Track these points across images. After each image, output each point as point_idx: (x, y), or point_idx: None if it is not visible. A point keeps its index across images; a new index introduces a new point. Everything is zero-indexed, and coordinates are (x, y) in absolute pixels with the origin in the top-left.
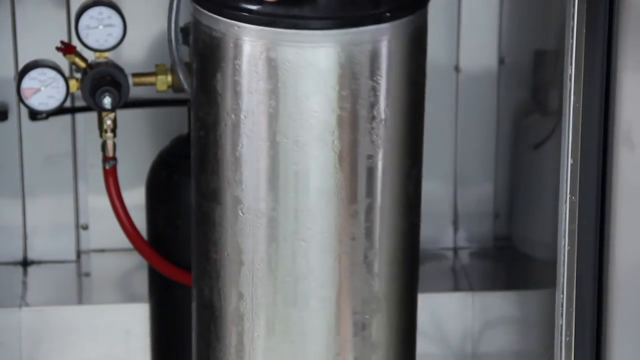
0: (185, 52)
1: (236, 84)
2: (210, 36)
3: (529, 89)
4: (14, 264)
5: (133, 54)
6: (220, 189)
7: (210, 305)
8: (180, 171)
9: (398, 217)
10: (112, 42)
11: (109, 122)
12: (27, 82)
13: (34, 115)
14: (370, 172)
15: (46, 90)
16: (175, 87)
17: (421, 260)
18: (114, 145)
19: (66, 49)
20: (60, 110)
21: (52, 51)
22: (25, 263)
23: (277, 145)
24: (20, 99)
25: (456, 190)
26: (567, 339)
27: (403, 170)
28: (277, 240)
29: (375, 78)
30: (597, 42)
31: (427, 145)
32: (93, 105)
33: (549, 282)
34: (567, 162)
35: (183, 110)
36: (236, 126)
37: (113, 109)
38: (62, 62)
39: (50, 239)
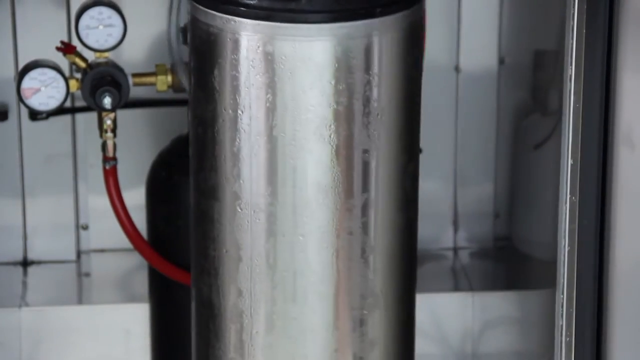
0: (185, 52)
1: (233, 79)
2: (207, 32)
3: (529, 89)
4: (14, 264)
5: (133, 54)
6: (219, 185)
7: (209, 304)
8: (181, 171)
9: (395, 212)
10: (112, 42)
11: (109, 122)
12: (27, 82)
13: (34, 115)
14: (367, 166)
15: (46, 90)
16: (175, 87)
17: (421, 261)
18: (114, 145)
19: (66, 49)
20: (60, 110)
21: (52, 51)
22: (25, 263)
23: (275, 139)
24: (21, 99)
25: (456, 190)
26: (567, 339)
27: (399, 165)
28: (275, 236)
29: (371, 72)
30: (597, 42)
31: (427, 145)
32: (93, 105)
33: (549, 282)
34: (567, 162)
35: (183, 110)
36: (234, 122)
37: (113, 109)
38: (62, 62)
39: (50, 239)
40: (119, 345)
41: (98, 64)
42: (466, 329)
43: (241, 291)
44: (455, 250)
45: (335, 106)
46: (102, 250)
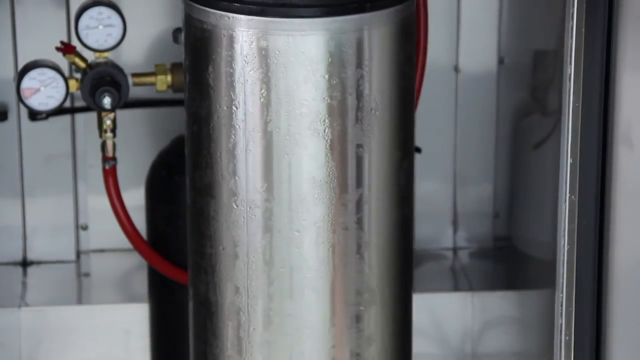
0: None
1: (228, 75)
2: (202, 29)
3: (528, 89)
4: (14, 264)
5: (133, 54)
6: (215, 182)
7: (207, 302)
8: (180, 171)
9: (390, 208)
10: (111, 42)
11: (108, 122)
12: (27, 82)
13: (34, 115)
14: (361, 161)
15: (46, 90)
16: (175, 87)
17: (421, 261)
18: (114, 145)
19: (66, 49)
20: (60, 111)
21: (52, 51)
22: (25, 263)
23: (270, 135)
24: (20, 99)
25: (456, 190)
26: (567, 338)
27: (394, 161)
28: (271, 232)
29: (363, 67)
30: (596, 41)
31: (426, 145)
32: (93, 105)
33: (549, 282)
34: (567, 161)
35: (183, 110)
36: (229, 118)
37: (113, 109)
38: (62, 62)
39: (50, 239)
40: (118, 345)
41: (98, 64)
42: (466, 329)
43: (238, 288)
44: (455, 250)
45: (329, 101)
46: (101, 250)
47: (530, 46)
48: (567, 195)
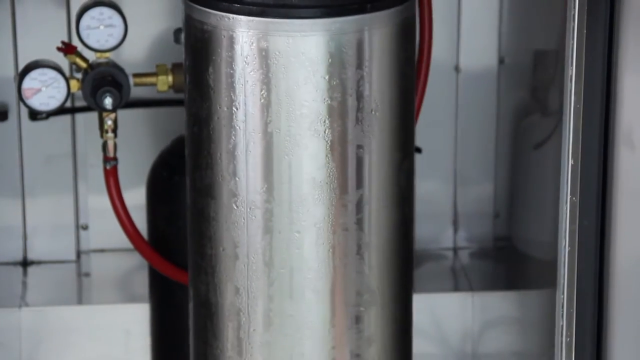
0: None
1: (228, 76)
2: (202, 30)
3: (529, 89)
4: (14, 264)
5: (134, 54)
6: (215, 183)
7: (207, 302)
8: (181, 171)
9: (390, 209)
10: (113, 42)
11: (109, 122)
12: (28, 82)
13: (34, 115)
14: (362, 162)
15: (47, 90)
16: (176, 87)
17: (421, 261)
18: (115, 145)
19: (67, 49)
20: (60, 111)
21: (53, 51)
22: (25, 263)
23: (270, 136)
24: (21, 99)
25: (456, 190)
26: (568, 339)
27: (394, 162)
28: (271, 233)
29: (364, 67)
30: (598, 42)
31: (427, 145)
32: (94, 105)
33: (549, 282)
34: (568, 162)
35: (183, 110)
36: (229, 119)
37: (114, 109)
38: (63, 62)
39: (50, 239)
40: (119, 345)
41: (99, 64)
42: (466, 329)
43: (238, 289)
44: (455, 250)
45: (329, 101)
46: (102, 250)
47: (531, 46)
48: (568, 196)
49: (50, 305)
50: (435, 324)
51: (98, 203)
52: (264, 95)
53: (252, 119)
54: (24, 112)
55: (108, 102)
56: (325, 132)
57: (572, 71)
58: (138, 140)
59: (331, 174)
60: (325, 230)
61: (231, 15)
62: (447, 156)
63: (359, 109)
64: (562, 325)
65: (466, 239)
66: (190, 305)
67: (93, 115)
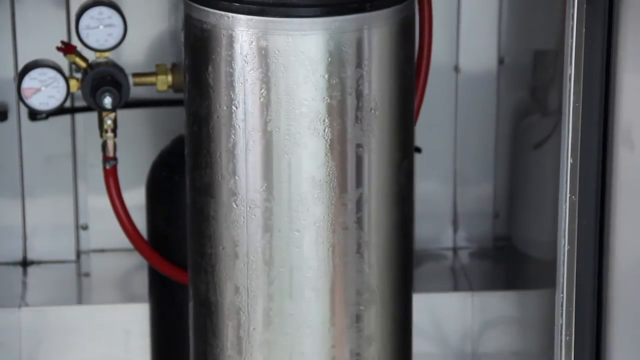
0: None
1: (227, 74)
2: (201, 29)
3: (528, 89)
4: (14, 264)
5: (133, 54)
6: (214, 182)
7: (207, 302)
8: (181, 171)
9: (390, 208)
10: (112, 42)
11: (109, 122)
12: (28, 82)
13: (34, 115)
14: (361, 161)
15: (46, 90)
16: (176, 87)
17: (421, 260)
18: (115, 145)
19: (66, 48)
20: (60, 110)
21: (52, 51)
22: (25, 263)
23: (269, 134)
24: (21, 99)
25: (456, 190)
26: (567, 338)
27: (394, 161)
28: (271, 231)
29: (363, 66)
30: (597, 42)
31: (426, 145)
32: (93, 105)
33: (549, 282)
34: (567, 161)
35: (183, 110)
36: (228, 118)
37: (113, 109)
38: (63, 62)
39: (50, 239)
40: (118, 345)
41: (98, 64)
42: (466, 329)
43: (238, 288)
44: (455, 250)
45: (328, 100)
46: (102, 250)
47: (530, 46)
48: (568, 195)
49: (50, 305)
50: (435, 323)
51: (98, 203)
52: (264, 94)
53: (251, 118)
54: (24, 112)
55: (108, 101)
56: (324, 131)
57: (571, 71)
58: (138, 140)
59: (331, 172)
60: (325, 229)
61: (231, 14)
62: (447, 156)
63: (358, 107)
64: (562, 325)
65: (466, 239)
66: (190, 305)
67: (93, 115)
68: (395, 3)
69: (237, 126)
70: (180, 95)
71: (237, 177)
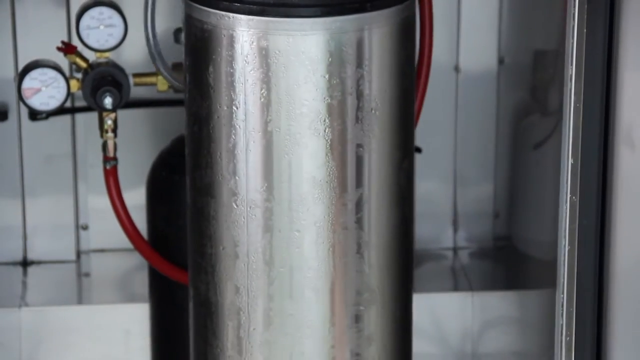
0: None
1: (228, 75)
2: (202, 29)
3: (528, 89)
4: (14, 264)
5: (134, 54)
6: (215, 182)
7: (207, 302)
8: (181, 171)
9: (390, 208)
10: (112, 42)
11: (109, 122)
12: (28, 82)
13: (34, 115)
14: (362, 161)
15: (47, 90)
16: (176, 87)
17: (421, 260)
18: (115, 145)
19: (67, 49)
20: (60, 111)
21: (53, 51)
22: (25, 263)
23: (270, 135)
24: (21, 99)
25: (456, 190)
26: (568, 338)
27: (394, 161)
28: (271, 232)
29: (364, 66)
30: (598, 41)
31: (427, 145)
32: (94, 105)
33: (549, 282)
34: (568, 162)
35: (183, 110)
36: (229, 118)
37: (114, 109)
38: (63, 62)
39: (50, 239)
40: (119, 345)
41: (99, 64)
42: (466, 329)
43: (238, 288)
44: (455, 250)
45: (329, 100)
46: (102, 250)
47: (530, 46)
48: (568, 195)
49: (50, 305)
50: (435, 323)
51: (98, 203)
52: (264, 94)
53: (252, 118)
54: (24, 112)
55: (108, 101)
56: (325, 131)
57: (572, 70)
58: (138, 140)
59: (331, 172)
60: (325, 229)
61: (231, 15)
62: (447, 156)
63: (358, 108)
64: (562, 325)
65: (466, 239)
66: (190, 305)
67: (93, 115)
68: (395, 3)
69: (238, 126)
70: (180, 96)
71: (237, 177)
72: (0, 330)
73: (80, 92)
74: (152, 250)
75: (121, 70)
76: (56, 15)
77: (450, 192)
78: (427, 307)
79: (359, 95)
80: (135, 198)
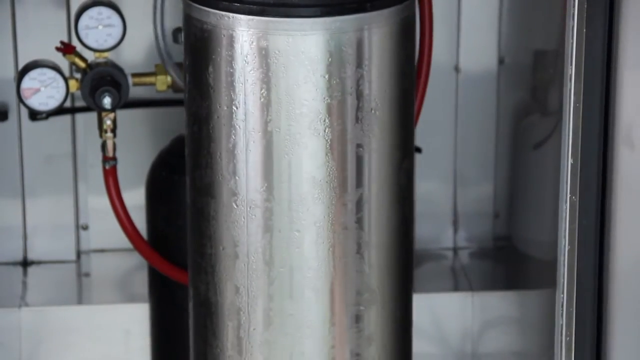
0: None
1: (228, 75)
2: (202, 29)
3: (528, 89)
4: (14, 264)
5: (133, 54)
6: (215, 182)
7: (207, 302)
8: (180, 171)
9: (390, 208)
10: (111, 42)
11: (108, 122)
12: (27, 82)
13: (34, 115)
14: (361, 161)
15: (46, 90)
16: (175, 87)
17: (421, 260)
18: (114, 145)
19: (66, 49)
20: (60, 111)
21: (53, 52)
22: (25, 263)
23: (270, 135)
24: (20, 99)
25: (456, 190)
26: (567, 338)
27: (394, 161)
28: (271, 232)
29: (363, 66)
30: (597, 41)
31: (427, 145)
32: (93, 105)
33: (549, 282)
34: (567, 162)
35: (183, 110)
36: (229, 118)
37: (113, 109)
38: (62, 62)
39: (50, 239)
40: (119, 345)
41: (98, 64)
42: (466, 329)
43: (238, 288)
44: (455, 250)
45: (329, 100)
46: (102, 250)
47: (530, 46)
48: (568, 195)
49: (50, 305)
50: (435, 323)
51: (98, 203)
52: (264, 94)
53: (252, 118)
54: (24, 112)
55: (107, 101)
56: (325, 131)
57: (571, 70)
58: (137, 140)
59: (331, 172)
60: (325, 229)
61: (231, 15)
62: (447, 156)
63: (358, 108)
64: (562, 325)
65: (466, 239)
66: (190, 305)
67: (93, 115)
68: (395, 3)
69: (238, 126)
70: (179, 95)
71: (237, 177)
72: (0, 330)
73: (79, 92)
74: (152, 250)
75: (120, 70)
76: (56, 16)
77: (450, 192)
78: (427, 307)
79: (359, 95)
80: (135, 198)
